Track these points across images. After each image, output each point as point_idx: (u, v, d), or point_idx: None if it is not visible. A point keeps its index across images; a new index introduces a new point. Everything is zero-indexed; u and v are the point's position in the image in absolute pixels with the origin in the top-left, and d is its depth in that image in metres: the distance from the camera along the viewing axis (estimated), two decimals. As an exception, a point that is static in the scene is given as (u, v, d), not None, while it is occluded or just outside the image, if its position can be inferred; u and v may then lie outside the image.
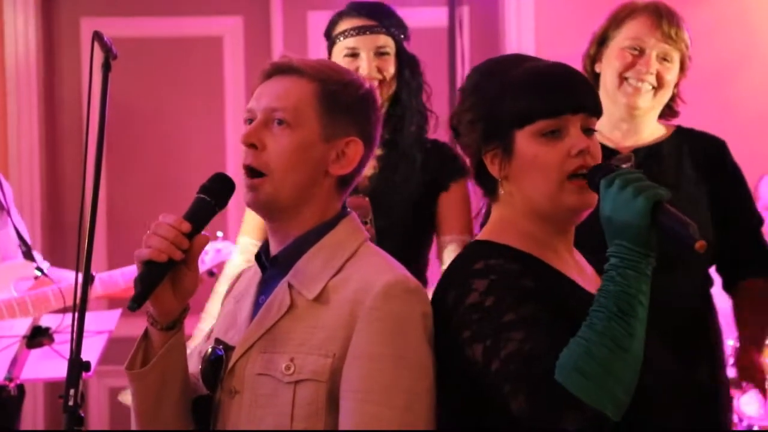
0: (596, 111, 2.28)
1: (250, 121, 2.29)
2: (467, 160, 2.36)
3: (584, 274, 2.33)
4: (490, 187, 2.32)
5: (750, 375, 3.36)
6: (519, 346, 2.07)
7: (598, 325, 2.05)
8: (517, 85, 2.24)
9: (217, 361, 2.26)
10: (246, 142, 2.26)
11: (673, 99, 3.42)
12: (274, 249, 2.31)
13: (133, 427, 2.29)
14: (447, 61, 5.26)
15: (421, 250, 3.55)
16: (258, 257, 2.34)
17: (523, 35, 5.56)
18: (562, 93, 2.24)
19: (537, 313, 2.11)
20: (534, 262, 2.24)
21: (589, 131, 2.26)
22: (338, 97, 2.28)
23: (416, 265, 3.41)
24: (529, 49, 5.44)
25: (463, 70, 5.12)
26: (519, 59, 2.33)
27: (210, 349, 2.29)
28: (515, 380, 2.06)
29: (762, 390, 3.37)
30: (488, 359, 2.10)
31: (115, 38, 2.47)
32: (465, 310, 2.16)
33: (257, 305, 2.29)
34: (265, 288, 2.30)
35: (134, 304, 2.12)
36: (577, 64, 3.40)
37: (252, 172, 2.26)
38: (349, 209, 2.34)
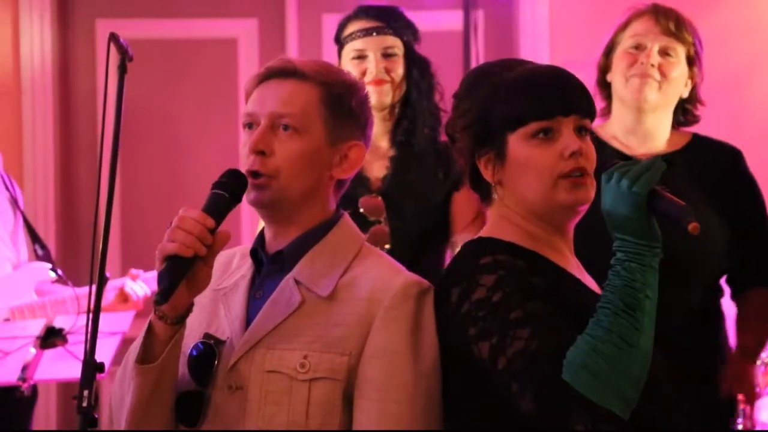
0: (589, 112, 2.27)
1: (250, 125, 2.29)
2: (462, 166, 2.34)
3: (585, 275, 2.33)
4: (484, 192, 2.32)
5: (740, 385, 3.34)
6: (526, 344, 2.06)
7: (604, 321, 2.04)
8: (508, 88, 2.24)
9: (207, 356, 2.24)
10: (255, 149, 2.25)
11: (691, 102, 3.42)
12: (273, 246, 2.30)
13: (121, 419, 2.27)
14: (462, 65, 5.26)
15: (435, 250, 3.56)
16: (254, 253, 2.33)
17: (537, 39, 5.55)
18: (553, 95, 2.23)
19: (544, 311, 2.10)
20: (538, 258, 2.23)
21: (582, 129, 2.25)
22: (342, 101, 2.29)
23: (431, 264, 3.42)
24: (543, 52, 5.44)
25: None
26: (511, 63, 2.32)
27: (200, 344, 2.26)
28: (522, 379, 2.05)
29: (751, 402, 3.35)
30: (494, 357, 2.09)
31: (130, 40, 2.46)
32: (471, 306, 2.15)
33: (253, 300, 2.28)
34: (262, 284, 2.29)
35: (161, 299, 2.12)
36: (591, 68, 3.42)
37: (258, 176, 2.25)
38: (341, 210, 2.34)
